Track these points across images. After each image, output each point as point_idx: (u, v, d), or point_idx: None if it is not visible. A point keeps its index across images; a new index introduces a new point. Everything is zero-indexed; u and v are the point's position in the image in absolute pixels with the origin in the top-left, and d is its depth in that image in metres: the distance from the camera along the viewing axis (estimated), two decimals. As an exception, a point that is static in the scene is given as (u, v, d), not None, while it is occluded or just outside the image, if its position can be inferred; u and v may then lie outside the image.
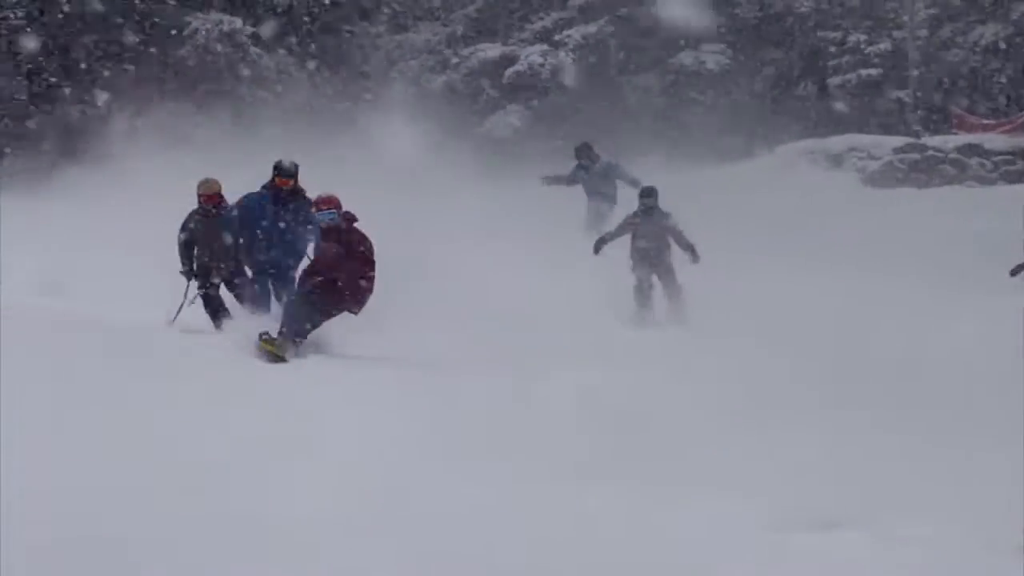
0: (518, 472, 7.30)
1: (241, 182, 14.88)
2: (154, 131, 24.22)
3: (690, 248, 14.73)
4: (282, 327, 10.91)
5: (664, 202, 15.26)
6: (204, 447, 7.26)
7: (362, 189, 17.05)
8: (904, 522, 6.77)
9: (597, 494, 7.00)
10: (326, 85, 29.42)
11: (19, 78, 26.84)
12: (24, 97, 27.05)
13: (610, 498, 6.95)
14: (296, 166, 12.59)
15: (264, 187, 12.55)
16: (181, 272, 12.80)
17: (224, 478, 6.75)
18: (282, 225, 12.34)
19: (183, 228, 12.75)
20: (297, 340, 10.88)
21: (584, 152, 19.41)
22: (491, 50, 33.18)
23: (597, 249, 15.16)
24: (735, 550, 6.35)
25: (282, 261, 12.42)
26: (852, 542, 6.57)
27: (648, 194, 15.26)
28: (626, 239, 15.19)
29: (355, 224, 11.18)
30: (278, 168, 12.58)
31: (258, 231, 12.38)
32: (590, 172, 19.12)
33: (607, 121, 30.38)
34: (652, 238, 14.99)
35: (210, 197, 12.87)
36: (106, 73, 27.23)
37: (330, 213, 11.14)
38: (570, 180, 19.49)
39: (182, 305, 12.59)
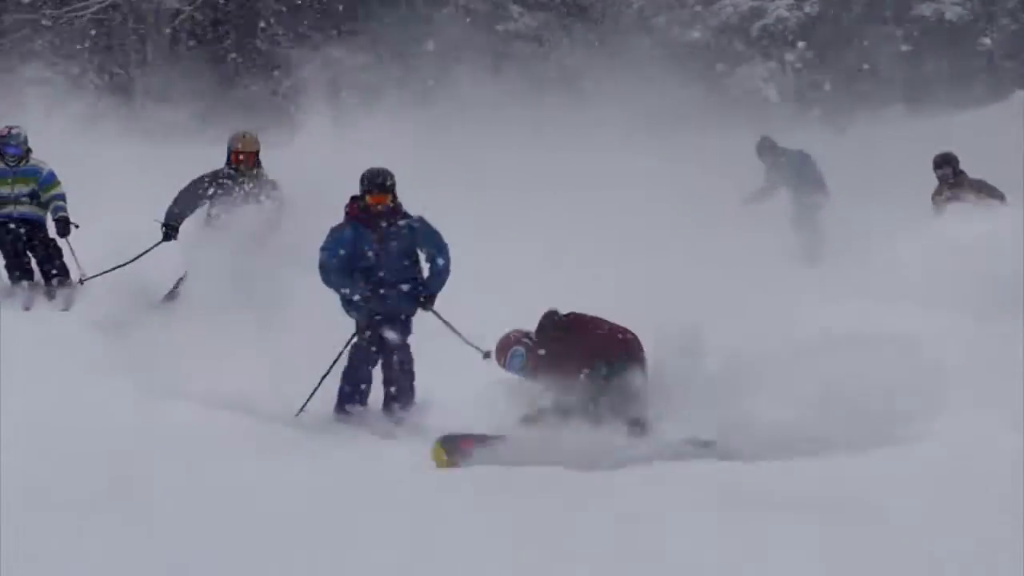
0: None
1: (509, 135, 15.43)
2: (415, 88, 25.92)
3: None
4: None
5: (904, 151, 15.54)
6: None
7: (617, 152, 18.39)
8: None
9: None
10: (580, 41, 30.78)
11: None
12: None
13: None
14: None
15: (347, 216, 9.32)
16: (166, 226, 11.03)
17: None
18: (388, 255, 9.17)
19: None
20: None
21: (767, 147, 17.11)
22: (741, 5, 34.93)
23: None
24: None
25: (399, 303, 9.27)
26: None
27: None
28: None
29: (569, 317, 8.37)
30: (369, 181, 9.18)
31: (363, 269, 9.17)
32: (786, 167, 16.74)
33: (849, 71, 32.08)
34: None
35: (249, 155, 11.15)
36: (359, 34, 28.71)
37: (518, 357, 8.26)
38: (770, 185, 16.98)
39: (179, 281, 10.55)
